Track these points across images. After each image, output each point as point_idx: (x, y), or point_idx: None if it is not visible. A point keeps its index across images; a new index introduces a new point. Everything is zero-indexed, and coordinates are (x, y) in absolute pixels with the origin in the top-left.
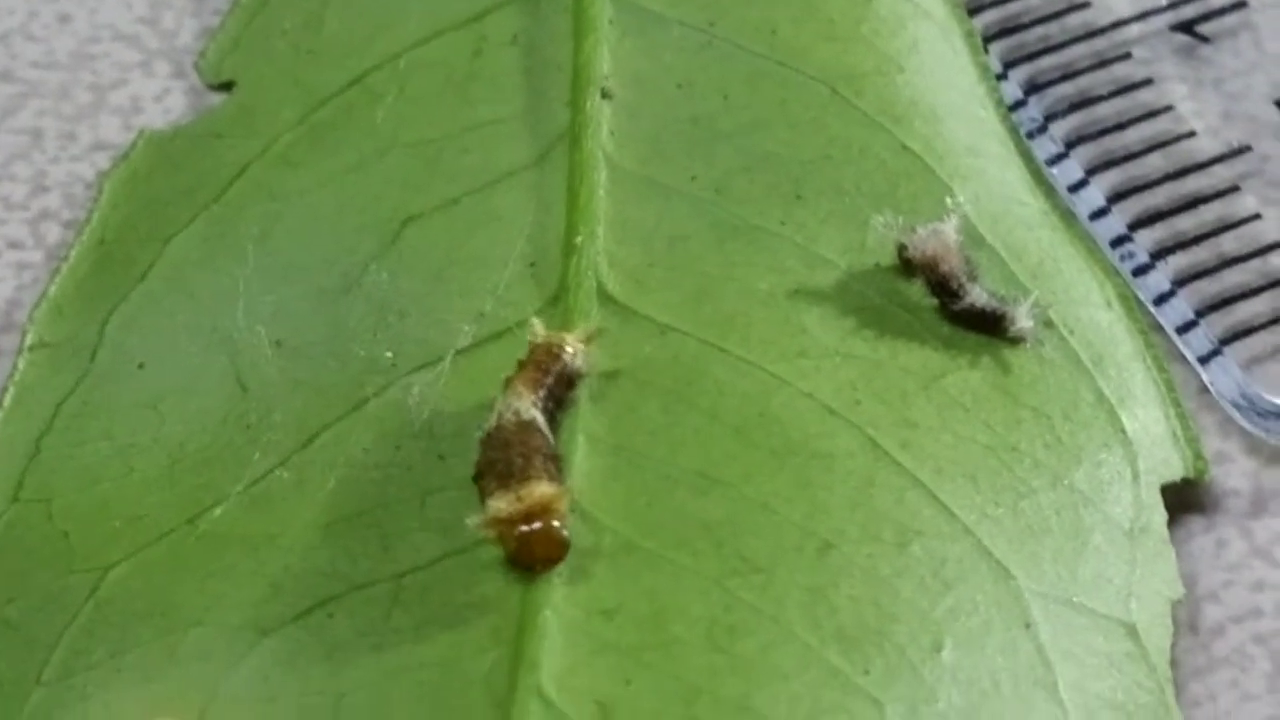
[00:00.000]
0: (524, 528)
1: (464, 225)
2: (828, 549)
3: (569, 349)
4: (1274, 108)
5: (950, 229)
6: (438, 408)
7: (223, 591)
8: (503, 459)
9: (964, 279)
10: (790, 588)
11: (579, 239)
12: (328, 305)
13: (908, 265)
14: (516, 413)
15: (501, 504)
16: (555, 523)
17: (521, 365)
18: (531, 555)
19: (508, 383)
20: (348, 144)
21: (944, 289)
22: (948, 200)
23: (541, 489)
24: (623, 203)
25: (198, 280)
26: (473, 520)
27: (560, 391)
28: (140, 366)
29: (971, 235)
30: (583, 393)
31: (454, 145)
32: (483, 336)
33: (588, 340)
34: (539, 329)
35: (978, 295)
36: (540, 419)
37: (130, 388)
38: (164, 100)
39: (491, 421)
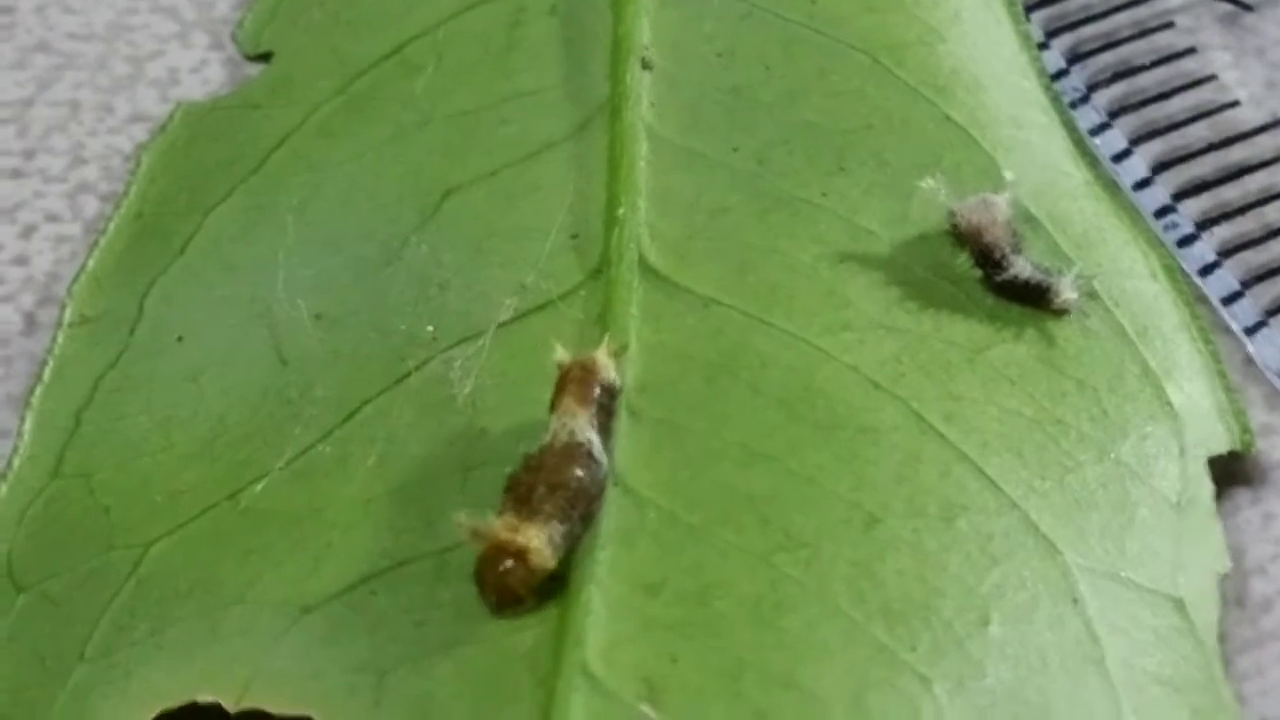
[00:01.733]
0: (494, 558)
1: (504, 197)
2: (874, 523)
3: (602, 363)
4: None
5: (1001, 201)
6: (480, 381)
7: (264, 568)
8: (528, 484)
9: (1008, 250)
10: (836, 562)
11: (620, 210)
12: (368, 277)
13: (956, 232)
14: (571, 433)
15: (494, 524)
16: (520, 574)
17: (560, 389)
18: (483, 582)
19: (555, 404)
20: (386, 115)
21: (988, 259)
22: (1006, 174)
23: (533, 539)
24: (664, 174)
25: (237, 252)
26: (460, 518)
27: (608, 405)
28: (180, 340)
29: (1016, 207)
30: (627, 368)
31: (493, 116)
32: (525, 309)
33: (617, 354)
34: (562, 352)
35: (1022, 267)
36: (596, 441)
37: (170, 361)
38: (202, 71)
39: (545, 440)
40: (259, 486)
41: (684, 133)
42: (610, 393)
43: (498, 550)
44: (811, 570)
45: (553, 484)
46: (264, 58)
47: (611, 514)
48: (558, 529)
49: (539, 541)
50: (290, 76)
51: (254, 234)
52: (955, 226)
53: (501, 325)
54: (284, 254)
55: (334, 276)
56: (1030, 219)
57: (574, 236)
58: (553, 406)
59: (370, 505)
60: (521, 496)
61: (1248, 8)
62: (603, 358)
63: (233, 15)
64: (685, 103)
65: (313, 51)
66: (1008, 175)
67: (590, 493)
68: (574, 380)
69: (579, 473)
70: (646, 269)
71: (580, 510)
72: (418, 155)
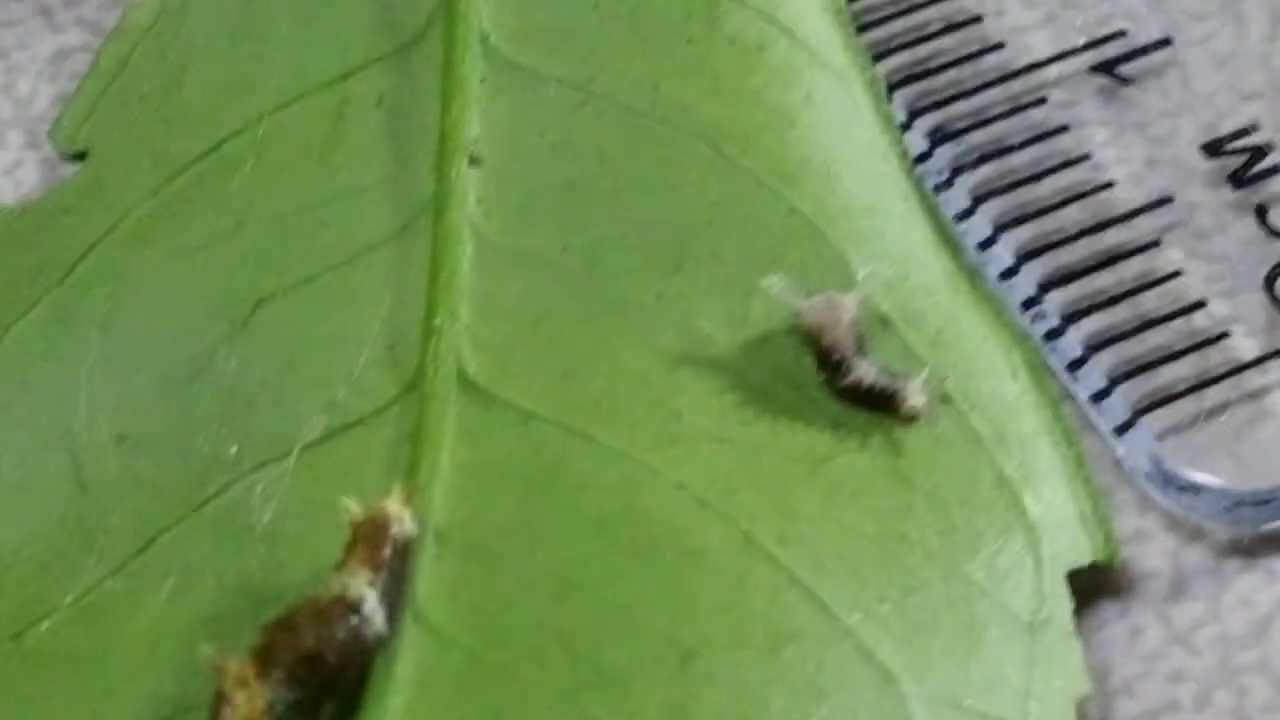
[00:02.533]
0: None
1: (319, 306)
2: (692, 657)
3: (394, 516)
4: (1200, 153)
5: (848, 300)
6: (281, 508)
7: (41, 717)
8: (277, 639)
9: (850, 353)
10: (648, 702)
11: (438, 320)
12: (173, 395)
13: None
14: (345, 589)
15: (229, 668)
16: None
17: (346, 550)
18: None
19: (340, 566)
20: (200, 218)
21: (829, 363)
22: (859, 272)
23: (255, 700)
24: (488, 277)
25: (38, 371)
26: (206, 651)
27: (396, 566)
28: None
29: (865, 302)
30: (436, 491)
31: (312, 218)
32: (334, 428)
33: (409, 499)
34: (355, 507)
35: (866, 370)
36: (371, 599)
37: None
38: (15, 173)
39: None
40: (44, 625)
41: (512, 233)
42: (403, 548)
43: (220, 700)
44: (621, 710)
45: (297, 646)
46: (82, 157)
47: (408, 655)
48: (285, 695)
49: (259, 705)
50: (104, 177)
51: (56, 350)
52: (798, 327)
53: (308, 446)
54: (86, 372)
55: (138, 395)
56: (880, 317)
57: (390, 348)
58: (338, 566)
59: (158, 646)
60: (266, 650)
61: (1126, 81)
62: (394, 509)
63: (51, 112)
64: (515, 200)
65: (129, 150)
66: (859, 273)
67: (346, 658)
68: (363, 539)
69: (334, 635)
70: (465, 382)
71: (324, 677)
72: (230, 261)
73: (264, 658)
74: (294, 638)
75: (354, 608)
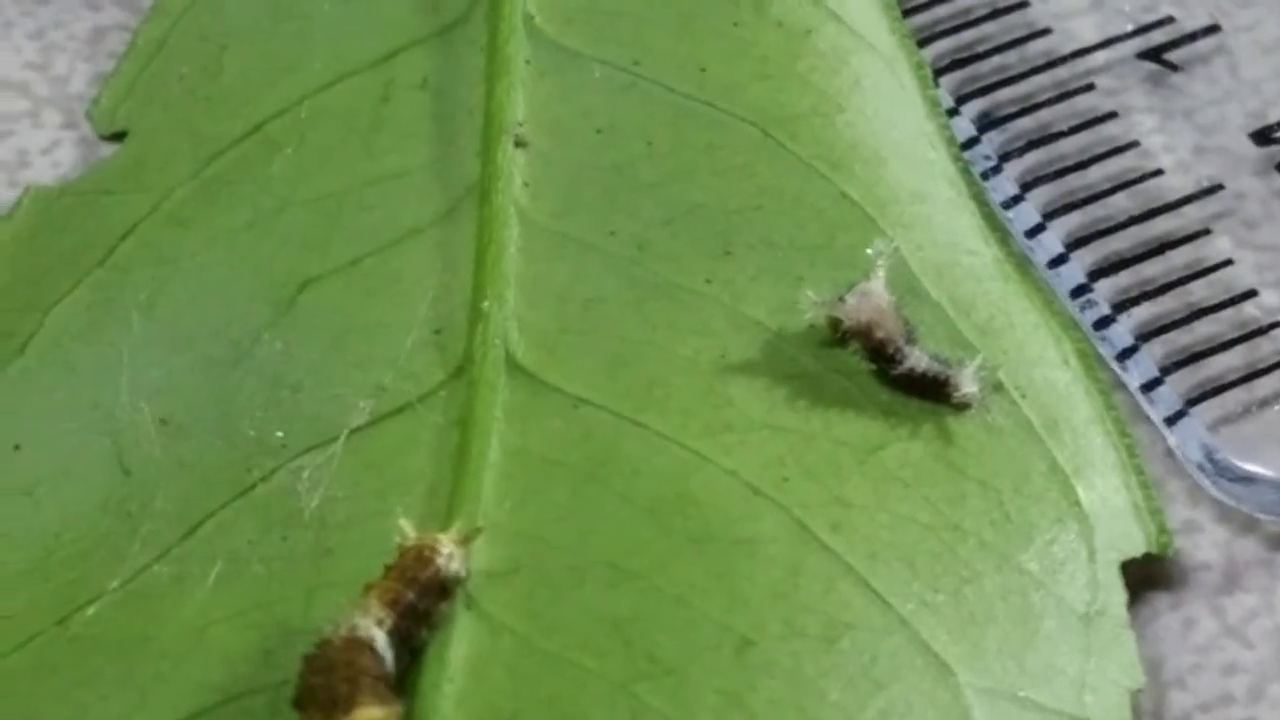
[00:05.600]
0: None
1: (364, 289)
2: (747, 646)
3: (442, 552)
4: (1249, 141)
5: (878, 287)
6: (329, 493)
7: (90, 702)
8: (324, 686)
9: (901, 342)
10: (704, 691)
11: (486, 303)
12: (217, 378)
13: (842, 336)
14: (352, 629)
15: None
16: None
17: (387, 570)
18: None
19: (366, 590)
20: (243, 200)
21: (880, 355)
22: (868, 250)
23: (369, 715)
24: (535, 261)
25: (79, 353)
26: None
27: (427, 604)
28: (16, 449)
29: (915, 290)
30: (486, 476)
31: (356, 200)
32: (381, 413)
33: (466, 540)
34: (409, 530)
35: (918, 359)
36: (380, 639)
37: (5, 473)
38: (53, 153)
39: (324, 635)
40: (90, 610)
41: (558, 216)
42: (440, 590)
43: None
44: (676, 700)
45: (352, 674)
46: (120, 137)
47: (462, 641)
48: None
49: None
50: (144, 158)
51: (98, 333)
52: (841, 330)
53: (355, 431)
54: (129, 354)
55: (181, 378)
56: (930, 302)
57: (437, 332)
58: (365, 590)
59: (205, 632)
60: (324, 701)
61: (1174, 68)
62: (448, 545)
63: (89, 91)
64: (561, 183)
65: (169, 131)
66: (869, 250)
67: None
68: (396, 572)
69: (367, 663)
70: (513, 367)
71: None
72: (274, 244)
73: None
74: (325, 680)
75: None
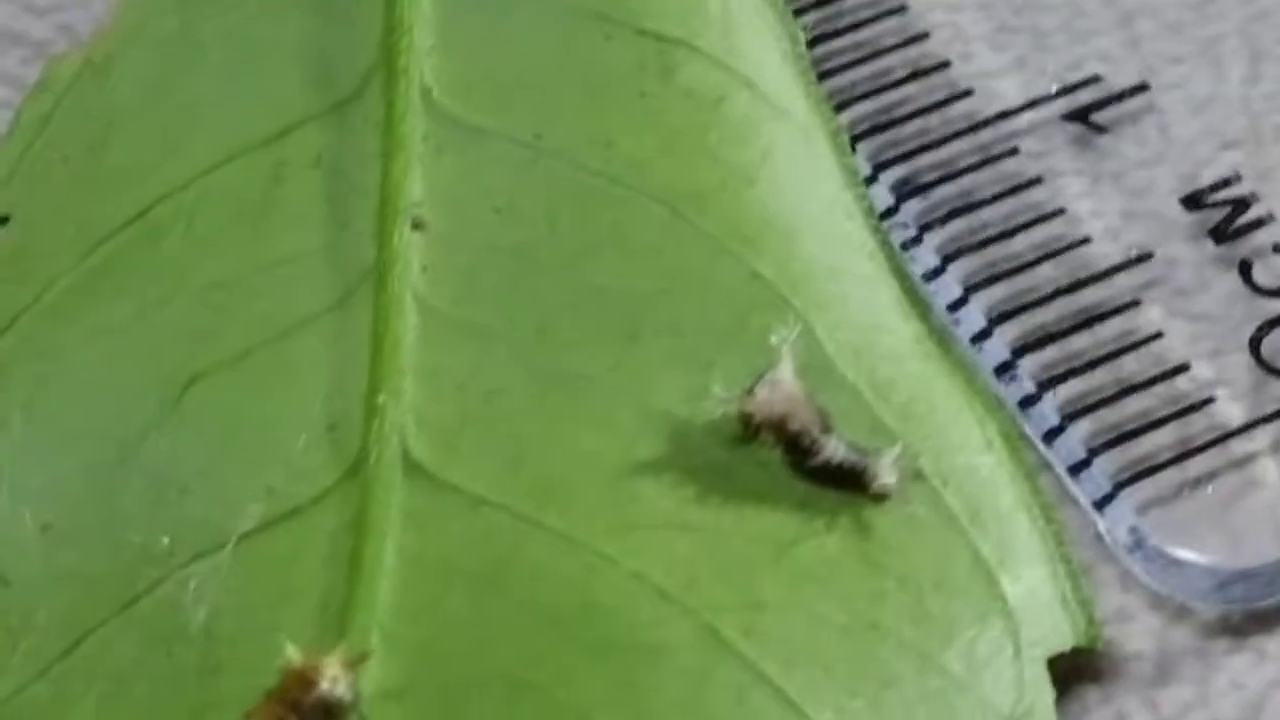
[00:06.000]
0: None
1: (255, 383)
2: None
3: (327, 675)
4: (1179, 205)
5: (787, 375)
6: (217, 605)
7: None
8: None
9: (816, 433)
10: None
11: (381, 397)
12: (101, 482)
13: (754, 430)
14: None
15: None
16: None
17: (268, 696)
18: None
19: (246, 718)
20: (128, 290)
21: (795, 448)
22: (772, 337)
23: None
24: (434, 350)
25: None
26: None
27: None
28: None
29: (830, 373)
30: (382, 584)
31: (246, 288)
32: (271, 517)
33: (355, 663)
34: (294, 654)
35: (834, 449)
36: None
37: None
38: None
39: None
40: None
41: (458, 302)
42: (329, 711)
43: None
44: None
45: None
46: (4, 222)
47: None
48: None
49: None
50: (26, 246)
51: None
52: (753, 425)
53: (244, 536)
54: (9, 456)
55: (64, 482)
56: (847, 387)
57: (331, 428)
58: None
59: None
60: None
61: (1101, 129)
62: (332, 669)
63: None
64: (461, 267)
65: (52, 216)
66: (773, 338)
67: None
68: (277, 698)
69: None
70: (410, 465)
71: None
72: (160, 336)
73: None
74: None
75: None
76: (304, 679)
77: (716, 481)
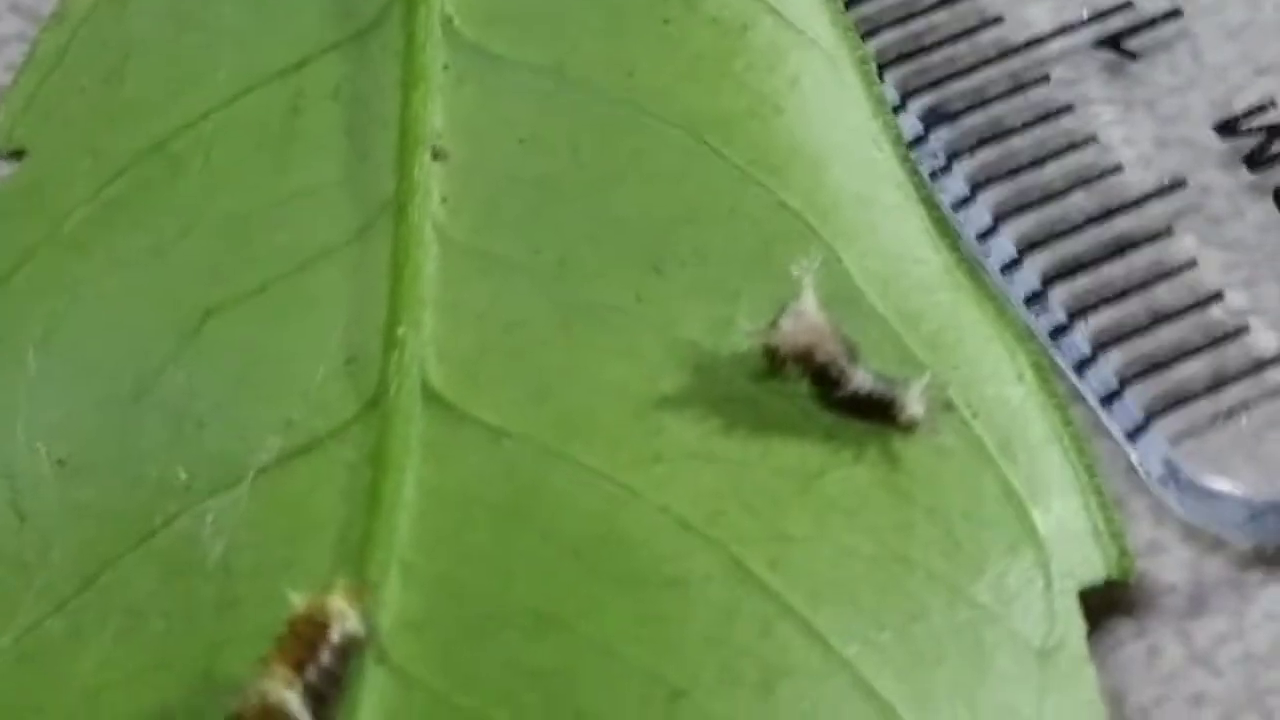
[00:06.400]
0: None
1: (273, 316)
2: (678, 698)
3: (334, 614)
4: (1213, 132)
5: (811, 306)
6: (234, 539)
7: None
8: None
9: (844, 363)
10: None
11: (401, 329)
12: (117, 416)
13: (780, 364)
14: (263, 697)
15: None
16: None
17: (278, 645)
18: None
19: (262, 664)
20: (145, 222)
21: (822, 379)
22: (793, 268)
23: None
24: (454, 282)
25: None
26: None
27: (333, 667)
28: None
29: (857, 303)
30: (401, 517)
31: (265, 220)
32: (290, 450)
33: (357, 597)
34: (296, 600)
35: (861, 379)
36: (295, 703)
37: None
38: None
39: (233, 708)
40: None
41: (479, 233)
42: (342, 652)
43: None
44: None
45: None
46: (19, 156)
47: (372, 698)
48: None
49: None
50: (43, 178)
51: None
52: (778, 359)
53: (262, 470)
54: (25, 391)
55: (80, 416)
56: (875, 317)
57: (350, 360)
58: (263, 665)
59: (101, 695)
60: None
61: (1133, 56)
62: (338, 606)
63: None
64: (482, 197)
65: (69, 149)
66: (794, 269)
67: None
68: (297, 635)
69: None
70: (430, 397)
71: None
72: (178, 269)
73: None
74: None
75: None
76: (312, 621)
77: (742, 413)
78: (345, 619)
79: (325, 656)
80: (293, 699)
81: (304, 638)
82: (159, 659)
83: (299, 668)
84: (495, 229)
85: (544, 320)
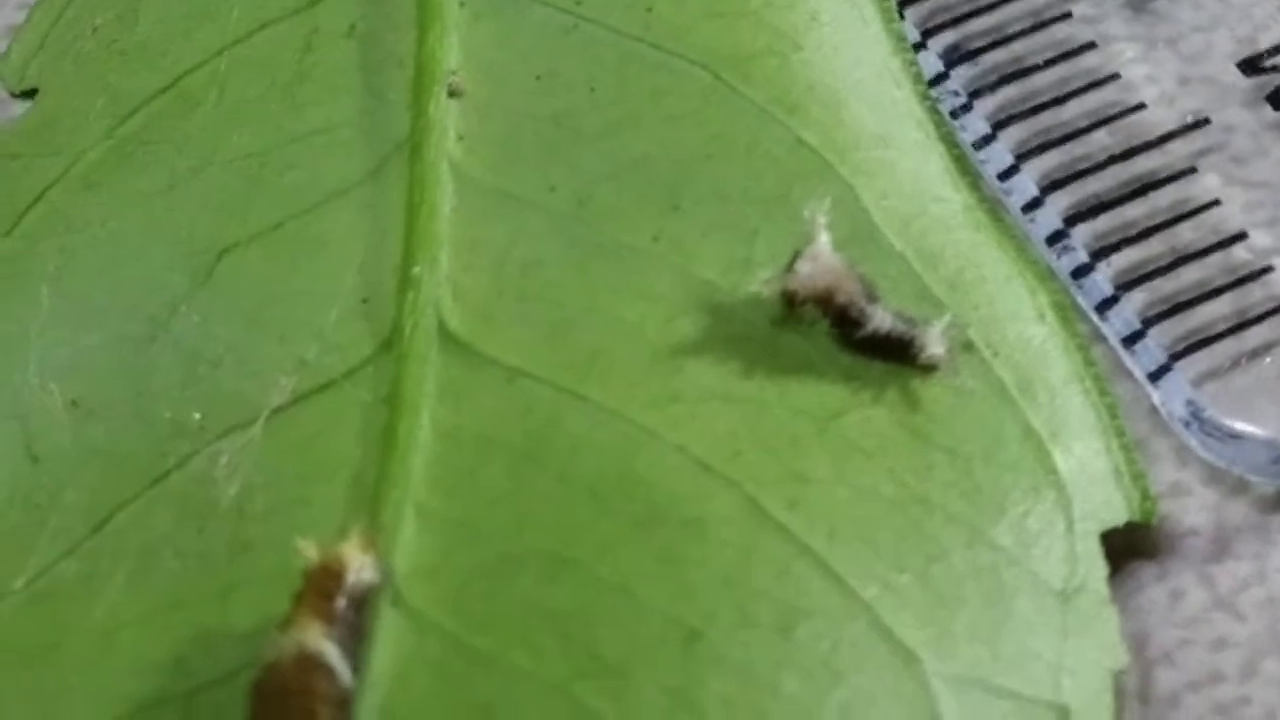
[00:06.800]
0: None
1: (287, 255)
2: (695, 639)
3: (350, 565)
4: (1237, 70)
5: (826, 247)
6: (248, 481)
7: None
8: (278, 714)
9: (863, 304)
10: (649, 690)
11: (416, 269)
12: (130, 356)
13: (800, 307)
14: (300, 646)
15: None
16: None
17: (297, 598)
18: None
19: (288, 619)
20: (159, 161)
21: (842, 320)
22: (805, 210)
23: None
24: (470, 221)
25: None
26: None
27: (353, 617)
28: None
29: (877, 242)
30: (416, 459)
31: (278, 159)
32: (304, 390)
33: (369, 545)
34: (310, 550)
35: (881, 319)
36: (333, 652)
37: None
38: None
39: (266, 660)
40: None
41: (495, 171)
42: (360, 602)
43: None
44: (620, 700)
45: (309, 704)
46: (31, 95)
47: (386, 642)
48: None
49: None
50: (55, 117)
51: (4, 308)
52: (797, 302)
53: (276, 411)
54: (37, 331)
55: (93, 356)
56: (895, 256)
57: (365, 300)
58: (289, 617)
59: (115, 637)
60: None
61: None
62: (352, 556)
63: None
64: (498, 136)
65: (82, 87)
66: (805, 211)
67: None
68: (315, 587)
69: (325, 688)
70: (446, 337)
71: None
72: (191, 208)
73: None
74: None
75: (316, 664)
76: (329, 570)
77: (760, 353)
78: (362, 568)
79: (344, 605)
80: (330, 649)
81: (322, 587)
82: (173, 600)
83: (326, 617)
84: (512, 167)
85: (561, 260)
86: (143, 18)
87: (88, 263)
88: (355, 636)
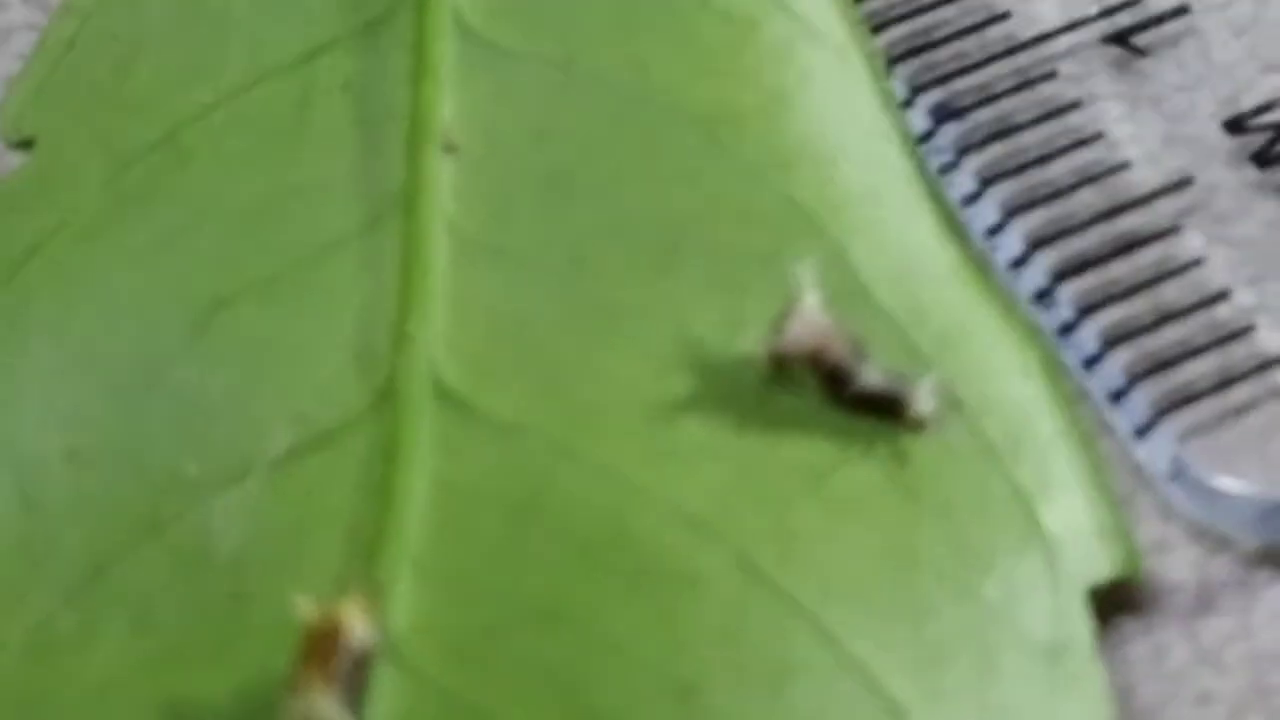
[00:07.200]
0: None
1: (283, 308)
2: (690, 693)
3: (351, 622)
4: (1221, 130)
5: (812, 306)
6: (245, 533)
7: None
8: None
9: (852, 362)
10: None
11: (411, 324)
12: (127, 406)
13: (788, 367)
14: (308, 707)
15: None
16: None
17: (298, 659)
18: None
19: (290, 684)
20: (155, 214)
21: (832, 379)
22: (789, 272)
23: None
24: (465, 277)
25: None
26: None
27: (353, 675)
28: None
29: (865, 299)
30: (412, 513)
31: (275, 212)
32: (301, 443)
33: (368, 603)
34: (308, 607)
35: (869, 376)
36: (338, 714)
37: None
38: None
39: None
40: None
41: (490, 228)
42: (361, 657)
43: None
44: None
45: None
46: (27, 145)
47: (382, 699)
48: None
49: None
50: (51, 170)
51: (2, 360)
52: (786, 362)
53: (272, 464)
54: (35, 383)
55: (90, 406)
56: (883, 314)
57: (361, 354)
58: (292, 678)
59: (110, 691)
60: None
61: (1141, 52)
62: (349, 618)
63: None
64: (492, 192)
65: (79, 139)
66: (793, 270)
67: None
68: (315, 648)
69: None
70: (442, 392)
71: None
72: (188, 260)
73: None
74: None
75: None
76: (328, 629)
77: (751, 410)
78: (361, 626)
79: (345, 664)
80: (336, 710)
81: (323, 646)
82: (168, 653)
83: (328, 677)
84: (506, 224)
85: (555, 316)
86: (139, 70)
87: (85, 314)
88: (355, 695)
